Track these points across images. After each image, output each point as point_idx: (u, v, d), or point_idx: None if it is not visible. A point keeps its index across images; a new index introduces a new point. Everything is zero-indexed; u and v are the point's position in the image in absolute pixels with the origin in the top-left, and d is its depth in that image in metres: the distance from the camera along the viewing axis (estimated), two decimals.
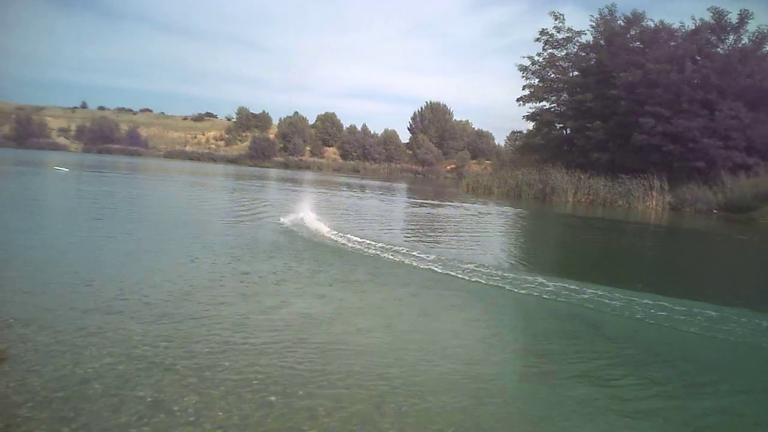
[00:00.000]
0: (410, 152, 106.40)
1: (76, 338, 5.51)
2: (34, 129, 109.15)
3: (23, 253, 9.53)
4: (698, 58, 39.32)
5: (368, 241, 13.12)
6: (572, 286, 9.31)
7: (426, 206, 28.13)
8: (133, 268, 8.99)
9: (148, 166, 58.60)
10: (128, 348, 5.38)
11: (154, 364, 5.03)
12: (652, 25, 43.10)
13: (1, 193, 20.15)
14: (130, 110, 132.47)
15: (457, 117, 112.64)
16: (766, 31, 38.77)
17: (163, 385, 4.62)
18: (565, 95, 47.56)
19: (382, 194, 37.42)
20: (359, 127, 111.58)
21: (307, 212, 17.24)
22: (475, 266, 10.75)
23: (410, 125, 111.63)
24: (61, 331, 5.68)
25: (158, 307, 6.77)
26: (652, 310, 8.10)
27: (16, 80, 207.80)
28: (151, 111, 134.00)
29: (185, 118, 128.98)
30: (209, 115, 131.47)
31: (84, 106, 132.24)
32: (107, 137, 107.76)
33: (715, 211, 33.97)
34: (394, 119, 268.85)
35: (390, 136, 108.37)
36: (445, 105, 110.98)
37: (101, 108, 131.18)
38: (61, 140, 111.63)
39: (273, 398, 4.54)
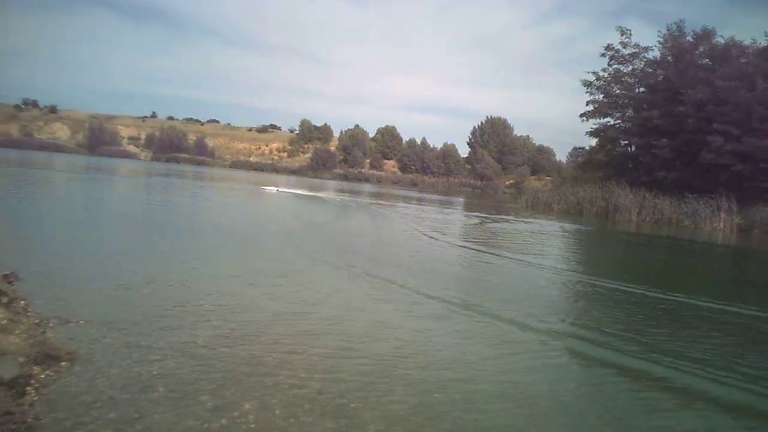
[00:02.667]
0: (469, 167, 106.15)
1: (142, 341, 5.69)
2: (106, 137, 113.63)
3: (94, 256, 9.90)
4: None
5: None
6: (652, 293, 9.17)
7: (500, 221, 27.92)
8: (197, 273, 9.21)
9: (214, 175, 59.95)
10: (192, 352, 5.53)
11: (216, 369, 5.16)
12: (722, 42, 41.94)
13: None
14: (197, 121, 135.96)
15: (517, 132, 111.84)
16: None
17: (225, 390, 4.73)
18: (630, 111, 46.60)
19: (459, 210, 37.34)
20: (419, 141, 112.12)
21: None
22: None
23: (470, 139, 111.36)
24: (128, 333, 5.87)
25: (221, 313, 6.93)
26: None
27: (91, 90, 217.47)
28: (217, 122, 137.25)
29: (250, 130, 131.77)
30: (273, 126, 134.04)
31: (154, 115, 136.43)
32: (175, 146, 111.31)
33: None
34: (453, 133, 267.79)
35: (449, 150, 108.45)
36: (505, 119, 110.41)
37: (170, 118, 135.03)
38: (131, 148, 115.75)
39: (329, 407, 4.60)
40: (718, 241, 27.91)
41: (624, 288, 11.22)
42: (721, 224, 35.21)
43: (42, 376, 4.59)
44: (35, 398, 4.21)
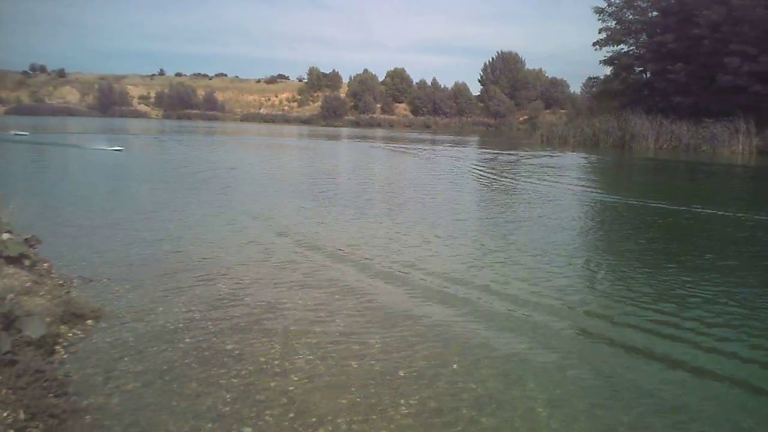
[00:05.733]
0: (482, 105, 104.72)
1: (166, 295, 5.77)
2: (115, 97, 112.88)
3: (114, 216, 9.99)
4: None
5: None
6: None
7: (532, 158, 27.71)
8: (218, 231, 9.27)
9: (229, 129, 59.83)
10: (215, 305, 5.60)
11: (241, 320, 5.23)
12: None
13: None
14: (206, 75, 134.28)
15: (529, 65, 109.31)
16: None
17: (250, 340, 4.79)
18: (644, 37, 45.40)
19: (475, 149, 37.07)
20: (429, 82, 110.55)
21: None
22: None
23: (481, 77, 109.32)
24: (152, 289, 5.96)
25: (244, 270, 6.98)
26: None
27: (97, 52, 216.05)
28: (225, 75, 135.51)
29: (258, 81, 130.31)
30: (281, 77, 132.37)
31: (161, 73, 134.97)
32: (185, 102, 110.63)
33: None
34: (464, 72, 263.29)
35: (460, 90, 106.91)
36: (516, 54, 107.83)
37: (178, 74, 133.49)
38: (142, 107, 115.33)
39: (354, 349, 4.65)
40: (737, 164, 27.63)
41: None
42: (740, 147, 34.72)
43: (69, 334, 4.68)
44: (64, 356, 4.31)
